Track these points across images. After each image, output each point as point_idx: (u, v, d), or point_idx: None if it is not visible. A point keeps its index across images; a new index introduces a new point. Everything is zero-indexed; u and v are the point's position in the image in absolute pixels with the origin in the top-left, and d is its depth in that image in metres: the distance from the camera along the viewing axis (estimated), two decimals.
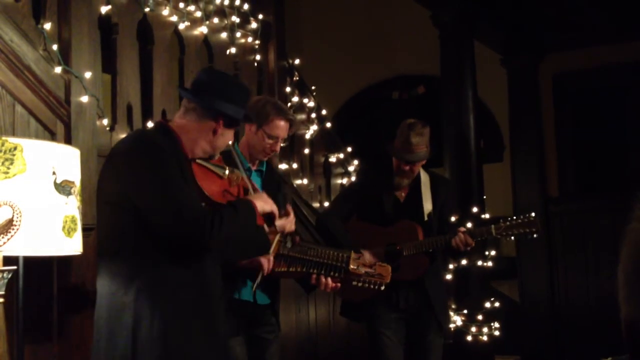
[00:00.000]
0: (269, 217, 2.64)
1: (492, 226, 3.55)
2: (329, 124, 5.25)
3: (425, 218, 3.66)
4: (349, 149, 5.37)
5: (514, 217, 3.57)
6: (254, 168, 3.17)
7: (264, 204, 2.56)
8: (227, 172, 2.56)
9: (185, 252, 2.33)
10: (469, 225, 4.48)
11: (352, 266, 3.01)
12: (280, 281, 3.21)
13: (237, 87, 2.56)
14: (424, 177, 3.73)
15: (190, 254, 2.34)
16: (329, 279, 3.01)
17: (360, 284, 3.08)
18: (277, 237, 2.85)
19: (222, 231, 2.27)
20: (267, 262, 2.85)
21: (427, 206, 3.68)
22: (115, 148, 2.48)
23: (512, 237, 3.58)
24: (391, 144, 3.65)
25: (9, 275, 2.30)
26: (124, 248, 2.30)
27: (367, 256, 3.33)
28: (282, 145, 3.24)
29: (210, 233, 2.25)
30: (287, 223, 2.82)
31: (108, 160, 2.43)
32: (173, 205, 2.25)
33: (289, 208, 2.87)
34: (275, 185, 3.23)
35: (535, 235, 3.53)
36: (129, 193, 2.29)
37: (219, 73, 2.64)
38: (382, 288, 3.11)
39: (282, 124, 3.08)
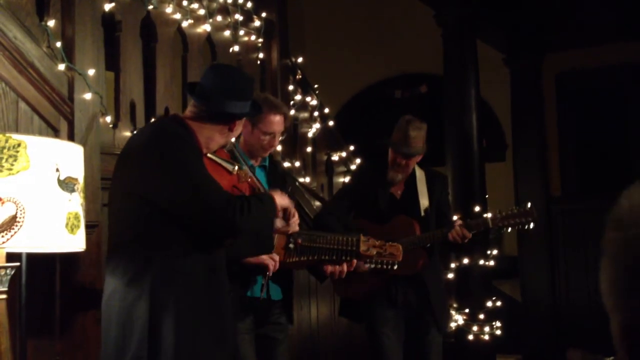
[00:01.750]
0: (284, 213, 2.66)
1: (489, 217, 3.52)
2: (331, 122, 5.25)
3: (422, 213, 3.66)
4: (352, 148, 5.37)
5: (510, 208, 3.53)
6: (256, 164, 3.17)
7: (281, 199, 2.60)
8: (236, 168, 2.60)
9: (212, 238, 2.37)
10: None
11: (362, 248, 2.96)
12: (294, 276, 3.20)
13: (242, 80, 2.57)
14: (419, 174, 3.74)
15: (208, 243, 2.36)
16: (344, 264, 3.00)
17: (373, 266, 3.06)
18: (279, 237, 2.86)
19: (250, 216, 2.32)
20: (272, 261, 2.85)
21: (424, 202, 3.67)
22: (134, 139, 2.49)
23: (509, 228, 3.51)
24: (388, 138, 3.66)
25: (12, 272, 2.31)
26: (137, 239, 2.31)
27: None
28: (281, 138, 3.23)
29: (240, 217, 2.29)
30: (291, 223, 2.82)
31: (126, 152, 2.45)
32: (200, 192, 2.28)
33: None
34: (281, 179, 3.23)
35: (532, 225, 3.46)
36: (151, 183, 2.31)
37: (222, 71, 2.60)
38: (395, 267, 3.08)
39: (277, 119, 3.06)
